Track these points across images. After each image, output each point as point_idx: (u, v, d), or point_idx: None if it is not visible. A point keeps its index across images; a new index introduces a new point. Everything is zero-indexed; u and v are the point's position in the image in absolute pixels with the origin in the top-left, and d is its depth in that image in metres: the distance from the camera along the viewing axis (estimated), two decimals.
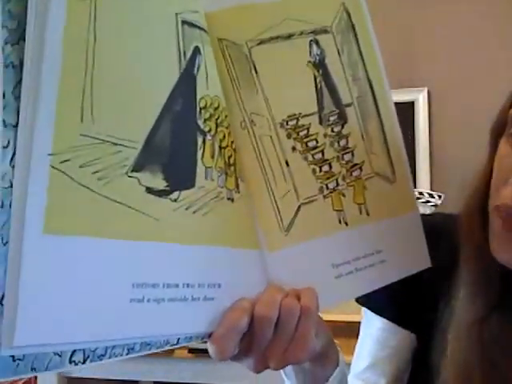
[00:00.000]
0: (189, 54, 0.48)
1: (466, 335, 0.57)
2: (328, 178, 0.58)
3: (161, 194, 0.44)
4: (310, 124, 0.58)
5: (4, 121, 0.36)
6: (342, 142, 0.60)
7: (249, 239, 0.51)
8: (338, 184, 0.59)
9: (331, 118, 0.60)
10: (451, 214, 0.64)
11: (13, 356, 0.36)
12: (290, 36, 0.59)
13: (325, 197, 0.58)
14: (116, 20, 0.43)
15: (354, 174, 0.60)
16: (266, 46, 0.58)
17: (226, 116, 0.52)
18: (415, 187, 1.95)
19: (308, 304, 0.50)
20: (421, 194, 1.79)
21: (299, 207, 0.56)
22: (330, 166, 0.59)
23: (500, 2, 1.97)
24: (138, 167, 0.42)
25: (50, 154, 0.37)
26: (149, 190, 0.43)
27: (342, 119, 0.60)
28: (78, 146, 0.39)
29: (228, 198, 0.50)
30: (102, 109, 0.41)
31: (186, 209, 0.46)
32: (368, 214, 0.60)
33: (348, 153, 0.60)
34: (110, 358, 0.41)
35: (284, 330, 0.48)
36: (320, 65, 0.60)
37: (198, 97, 0.49)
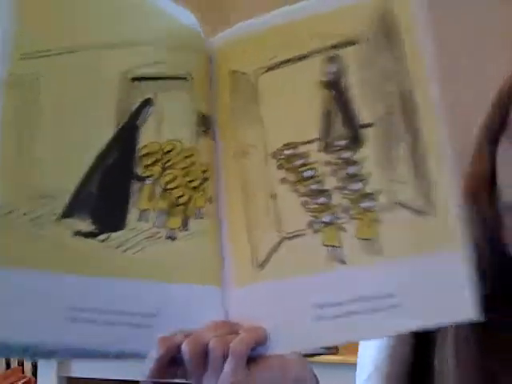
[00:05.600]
0: (132, 109, 0.55)
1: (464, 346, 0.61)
2: (323, 211, 0.54)
3: (88, 235, 0.53)
4: (309, 152, 0.54)
5: None
6: (351, 170, 0.53)
7: (193, 274, 0.55)
8: (337, 217, 0.53)
9: (339, 143, 0.54)
10: None
11: None
12: (303, 57, 0.56)
13: (315, 231, 0.54)
14: (58, 90, 0.54)
15: (363, 205, 0.53)
16: (274, 71, 0.57)
17: (186, 156, 0.56)
18: None
19: (236, 347, 0.50)
20: None
21: (280, 242, 0.54)
22: (330, 198, 0.54)
23: (500, 3, 1.93)
24: (66, 215, 0.53)
25: None
26: (77, 233, 0.53)
27: (355, 143, 0.53)
28: (18, 201, 0.52)
29: (168, 237, 0.54)
30: (37, 171, 0.53)
31: (116, 248, 0.53)
32: (379, 252, 0.52)
33: (357, 181, 0.53)
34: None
35: (211, 367, 0.51)
36: (334, 83, 0.54)
37: (140, 145, 0.55)
